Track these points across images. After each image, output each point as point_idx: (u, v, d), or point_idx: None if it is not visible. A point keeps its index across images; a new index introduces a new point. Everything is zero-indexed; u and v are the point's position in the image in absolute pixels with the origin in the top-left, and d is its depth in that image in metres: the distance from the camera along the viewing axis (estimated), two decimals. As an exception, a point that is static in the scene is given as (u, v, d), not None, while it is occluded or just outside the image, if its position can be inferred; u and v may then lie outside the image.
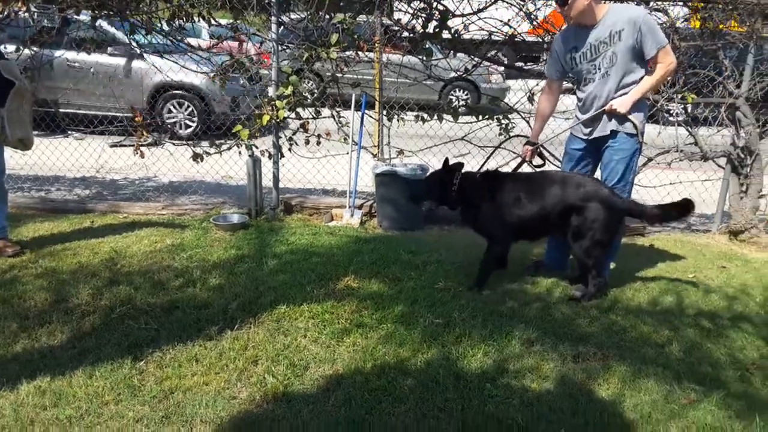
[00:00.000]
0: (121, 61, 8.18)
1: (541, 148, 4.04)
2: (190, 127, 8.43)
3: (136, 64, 8.12)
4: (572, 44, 3.69)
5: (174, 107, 8.41)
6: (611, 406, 2.61)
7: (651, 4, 4.74)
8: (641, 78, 3.56)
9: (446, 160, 3.86)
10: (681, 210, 3.58)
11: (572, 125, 3.88)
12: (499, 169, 4.04)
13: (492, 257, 3.82)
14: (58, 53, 7.06)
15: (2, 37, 5.33)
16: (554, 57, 3.83)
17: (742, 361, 3.04)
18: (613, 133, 3.67)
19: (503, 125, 5.19)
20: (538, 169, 4.02)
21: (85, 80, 7.92)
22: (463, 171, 3.83)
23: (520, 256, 4.27)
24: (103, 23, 5.73)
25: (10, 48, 5.32)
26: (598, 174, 3.93)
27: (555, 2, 3.63)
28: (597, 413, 2.54)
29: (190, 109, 8.43)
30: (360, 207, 5.36)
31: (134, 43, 5.63)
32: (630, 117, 3.57)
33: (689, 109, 5.27)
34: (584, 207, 3.55)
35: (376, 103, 6.07)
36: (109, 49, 8.03)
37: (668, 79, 4.33)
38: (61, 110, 7.42)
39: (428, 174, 4.05)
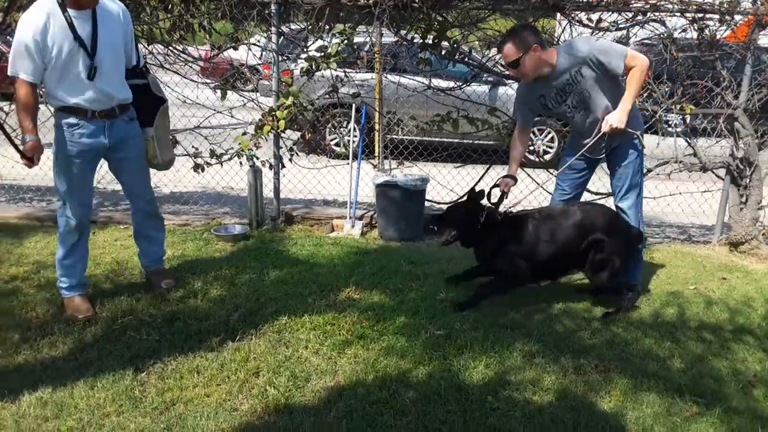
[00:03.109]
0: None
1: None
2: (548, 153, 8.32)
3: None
4: (539, 93, 3.71)
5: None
6: (613, 419, 2.61)
7: (648, 15, 4.76)
8: (621, 94, 3.54)
9: (472, 190, 3.77)
10: None
11: (575, 156, 3.84)
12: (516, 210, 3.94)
13: (498, 290, 3.74)
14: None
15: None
16: (522, 107, 3.86)
17: (744, 373, 3.05)
18: (616, 148, 3.72)
19: (502, 134, 5.22)
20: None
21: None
22: (486, 207, 3.71)
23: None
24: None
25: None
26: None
27: (508, 66, 3.67)
28: (599, 426, 2.54)
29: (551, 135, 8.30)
30: (361, 218, 5.37)
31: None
32: (629, 129, 3.57)
33: (688, 120, 5.28)
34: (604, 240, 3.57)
35: (377, 114, 6.10)
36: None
37: (652, 83, 4.43)
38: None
39: (451, 206, 3.94)
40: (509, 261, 3.61)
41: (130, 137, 3.46)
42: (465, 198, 3.75)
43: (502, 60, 3.82)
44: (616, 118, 3.49)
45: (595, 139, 3.63)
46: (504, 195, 3.83)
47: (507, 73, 4.84)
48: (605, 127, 3.53)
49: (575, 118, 3.69)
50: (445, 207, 5.70)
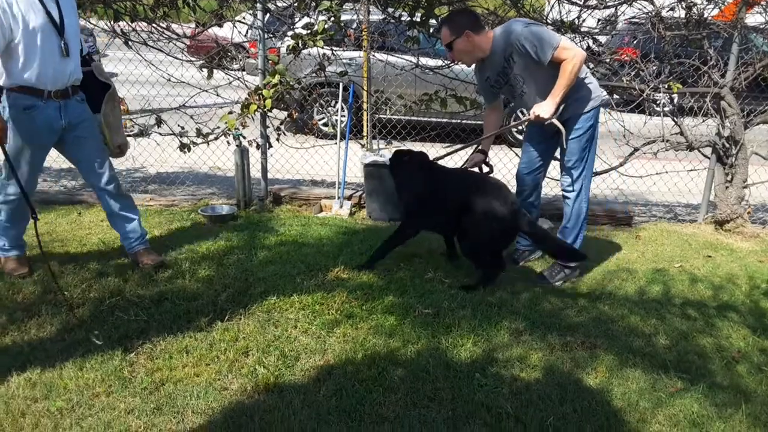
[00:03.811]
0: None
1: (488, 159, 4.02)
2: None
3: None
4: (485, 75, 3.75)
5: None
6: (599, 394, 2.64)
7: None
8: None
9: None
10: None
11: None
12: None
13: (392, 239, 3.94)
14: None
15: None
16: (479, 85, 3.93)
17: (728, 349, 3.09)
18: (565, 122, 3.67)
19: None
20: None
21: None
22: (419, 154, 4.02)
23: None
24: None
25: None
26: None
27: (446, 48, 3.68)
28: (585, 401, 2.58)
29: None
30: (349, 198, 5.36)
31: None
32: (554, 121, 3.52)
33: (675, 99, 5.30)
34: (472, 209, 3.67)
35: (365, 93, 6.06)
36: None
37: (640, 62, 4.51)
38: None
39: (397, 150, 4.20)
40: (404, 201, 3.95)
41: (84, 118, 3.51)
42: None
43: None
44: (543, 109, 3.49)
45: (517, 123, 3.72)
46: (479, 169, 3.94)
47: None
48: (531, 115, 3.56)
49: (522, 99, 3.71)
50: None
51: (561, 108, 3.53)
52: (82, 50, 3.50)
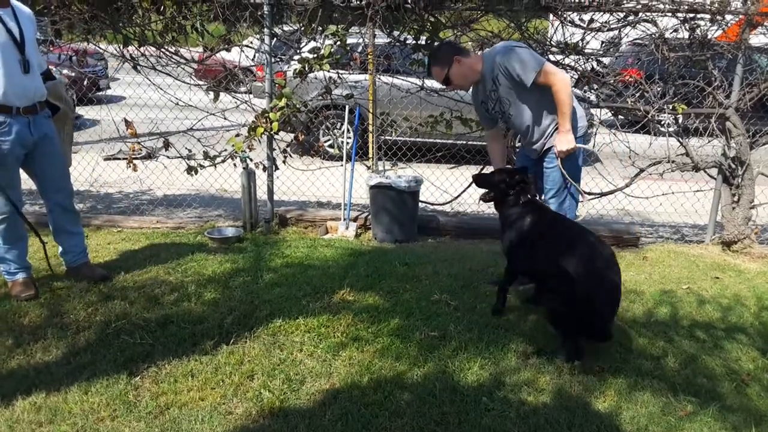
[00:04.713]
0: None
1: None
2: None
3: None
4: (480, 99, 3.79)
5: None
6: (608, 418, 2.61)
7: (640, 15, 4.78)
8: (551, 98, 3.51)
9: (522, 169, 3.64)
10: None
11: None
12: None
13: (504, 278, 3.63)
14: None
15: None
16: (477, 111, 3.95)
17: (737, 372, 3.06)
18: (548, 150, 3.72)
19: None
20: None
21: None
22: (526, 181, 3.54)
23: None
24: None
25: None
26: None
27: (444, 85, 3.73)
28: (593, 426, 2.55)
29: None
30: (355, 219, 5.37)
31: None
32: (578, 145, 3.60)
33: (680, 120, 5.31)
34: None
35: (370, 115, 6.10)
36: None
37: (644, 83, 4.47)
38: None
39: (499, 169, 3.78)
40: (506, 244, 3.53)
41: (50, 133, 3.63)
42: (514, 169, 3.65)
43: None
44: (563, 143, 3.53)
45: (556, 166, 3.65)
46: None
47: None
48: (559, 154, 3.58)
49: (511, 120, 3.72)
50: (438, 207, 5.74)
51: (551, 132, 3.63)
52: (41, 66, 3.60)
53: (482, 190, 3.70)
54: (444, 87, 4.09)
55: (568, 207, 3.80)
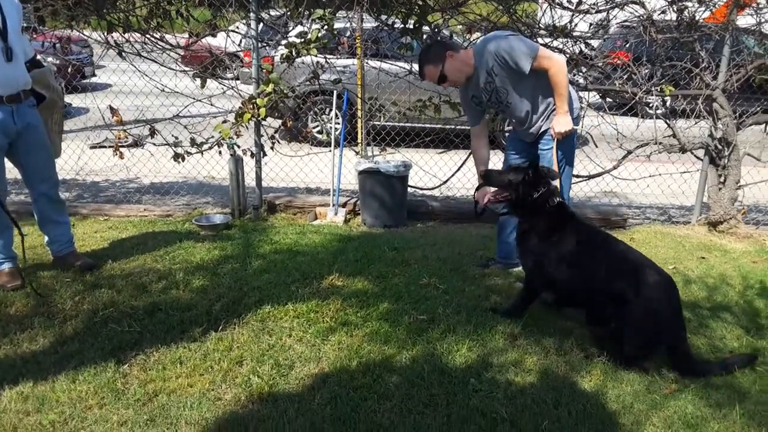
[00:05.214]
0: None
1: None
2: None
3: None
4: (470, 94, 3.76)
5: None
6: (594, 397, 2.64)
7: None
8: (550, 85, 3.53)
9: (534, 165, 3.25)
10: None
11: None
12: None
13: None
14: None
15: None
16: (464, 106, 3.90)
17: (722, 350, 3.10)
18: (543, 132, 3.73)
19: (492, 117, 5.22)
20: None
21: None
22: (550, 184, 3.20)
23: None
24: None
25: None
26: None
27: (439, 83, 3.68)
28: (580, 405, 2.57)
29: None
30: (344, 205, 5.36)
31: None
32: (575, 127, 3.62)
33: (667, 102, 5.32)
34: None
35: (359, 100, 6.08)
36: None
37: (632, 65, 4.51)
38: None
39: (514, 167, 3.42)
40: (532, 259, 3.23)
41: (35, 122, 3.59)
42: (528, 167, 3.24)
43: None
44: (561, 124, 3.53)
45: (552, 147, 3.63)
46: (484, 209, 3.54)
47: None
48: (557, 136, 3.57)
49: (510, 109, 3.71)
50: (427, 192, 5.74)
51: (548, 116, 3.61)
52: (27, 54, 3.55)
53: (475, 183, 3.54)
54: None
55: (566, 185, 3.80)
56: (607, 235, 3.26)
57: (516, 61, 3.43)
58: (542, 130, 3.71)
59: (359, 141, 6.37)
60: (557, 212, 3.15)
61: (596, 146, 5.23)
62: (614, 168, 5.28)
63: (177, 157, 5.09)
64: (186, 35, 5.29)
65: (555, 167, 3.59)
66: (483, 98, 3.72)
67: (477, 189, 3.59)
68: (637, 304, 2.83)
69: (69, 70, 7.84)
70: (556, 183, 3.34)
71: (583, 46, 5.22)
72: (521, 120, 3.73)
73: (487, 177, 3.45)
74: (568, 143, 3.70)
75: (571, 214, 3.22)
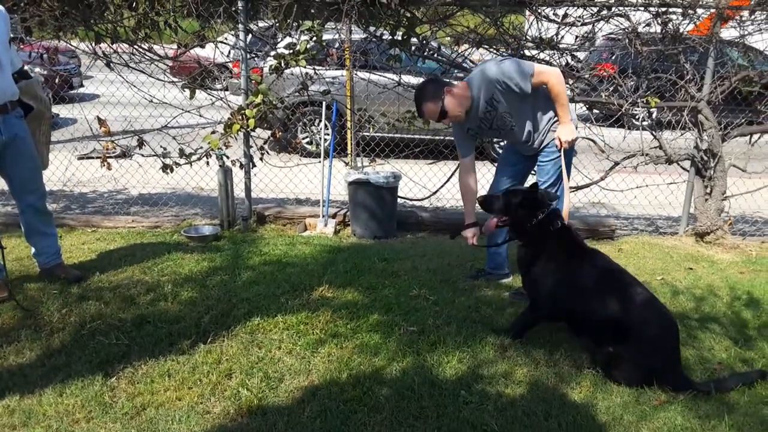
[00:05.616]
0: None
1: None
2: None
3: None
4: (466, 127, 3.75)
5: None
6: (584, 408, 2.65)
7: (613, 9, 4.83)
8: (546, 100, 3.59)
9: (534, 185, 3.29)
10: None
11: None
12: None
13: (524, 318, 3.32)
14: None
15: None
16: (458, 138, 3.85)
17: (710, 361, 3.11)
18: (545, 146, 3.75)
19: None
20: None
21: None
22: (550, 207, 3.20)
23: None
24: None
25: None
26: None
27: (441, 121, 3.67)
28: (570, 416, 2.58)
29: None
30: (333, 216, 5.36)
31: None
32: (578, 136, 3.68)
33: (653, 113, 5.38)
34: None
35: (348, 111, 6.09)
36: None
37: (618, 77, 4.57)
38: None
39: (513, 190, 3.41)
40: (534, 284, 3.21)
41: (22, 134, 3.56)
42: (530, 188, 3.26)
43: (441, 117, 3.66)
44: (566, 133, 3.57)
45: (553, 159, 3.67)
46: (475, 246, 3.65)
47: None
48: (564, 145, 3.59)
49: (513, 132, 3.72)
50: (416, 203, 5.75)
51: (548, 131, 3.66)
52: (14, 64, 3.53)
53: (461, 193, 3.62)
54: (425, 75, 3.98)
55: (560, 196, 3.78)
56: (617, 265, 3.15)
57: (517, 83, 3.46)
58: (544, 144, 3.73)
59: (349, 152, 6.37)
60: (564, 237, 3.15)
61: (602, 154, 5.24)
62: (601, 179, 5.32)
63: (165, 168, 5.07)
64: (174, 46, 5.29)
65: (564, 176, 3.64)
66: (483, 127, 3.71)
67: (467, 226, 3.70)
68: (643, 338, 2.82)
69: (56, 80, 7.80)
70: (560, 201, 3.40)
71: (569, 59, 5.28)
72: (524, 141, 3.73)
73: (483, 203, 3.43)
74: (570, 153, 3.74)
75: (580, 242, 3.21)
